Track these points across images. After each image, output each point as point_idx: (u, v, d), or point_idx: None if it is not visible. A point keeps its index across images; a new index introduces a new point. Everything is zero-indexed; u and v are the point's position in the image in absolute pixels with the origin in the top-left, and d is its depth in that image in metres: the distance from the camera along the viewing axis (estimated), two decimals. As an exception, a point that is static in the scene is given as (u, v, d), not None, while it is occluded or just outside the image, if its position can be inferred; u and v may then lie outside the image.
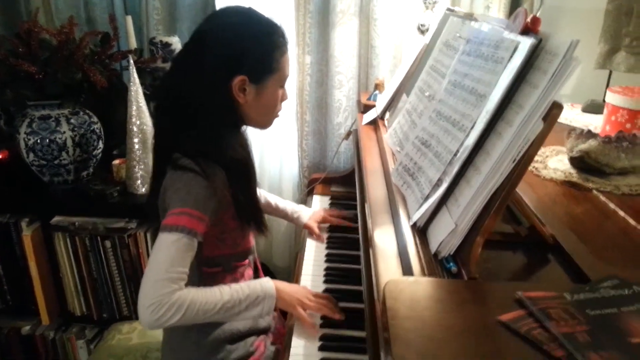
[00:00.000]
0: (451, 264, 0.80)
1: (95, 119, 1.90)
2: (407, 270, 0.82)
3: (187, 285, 1.02)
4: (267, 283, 1.15)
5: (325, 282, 1.35)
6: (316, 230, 1.56)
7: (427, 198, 0.95)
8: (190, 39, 1.11)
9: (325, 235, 1.57)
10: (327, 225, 1.62)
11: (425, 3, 1.89)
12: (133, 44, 2.01)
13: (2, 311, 1.99)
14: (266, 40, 1.09)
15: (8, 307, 1.97)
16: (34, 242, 1.81)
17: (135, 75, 1.74)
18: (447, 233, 0.83)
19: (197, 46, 1.10)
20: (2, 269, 1.91)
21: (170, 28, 2.14)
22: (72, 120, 1.81)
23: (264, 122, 1.21)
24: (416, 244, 0.88)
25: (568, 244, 0.88)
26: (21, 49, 1.73)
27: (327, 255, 1.47)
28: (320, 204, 1.83)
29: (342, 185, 1.95)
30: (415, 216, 0.95)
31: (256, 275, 1.34)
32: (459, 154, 0.90)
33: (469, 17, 1.30)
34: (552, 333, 0.62)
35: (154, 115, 1.80)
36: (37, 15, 1.90)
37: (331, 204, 1.81)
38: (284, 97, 1.20)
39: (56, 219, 1.82)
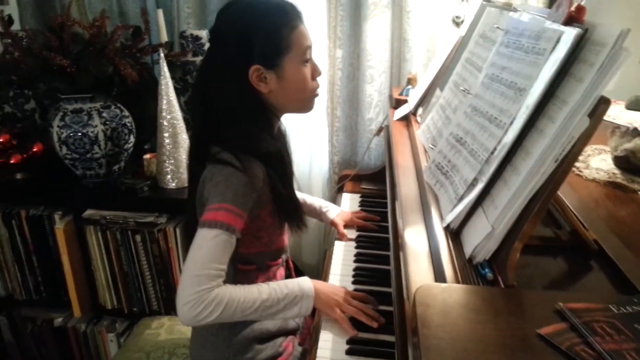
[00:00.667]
0: (487, 270, 0.76)
1: (126, 112, 1.90)
2: (439, 275, 0.78)
3: (223, 282, 1.01)
4: (305, 283, 1.12)
5: (354, 282, 1.32)
6: (341, 228, 1.53)
7: (461, 199, 0.90)
8: (209, 39, 1.11)
9: (355, 234, 1.54)
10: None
11: (461, -6, 1.83)
12: (164, 37, 2.01)
13: (36, 302, 2.01)
14: (268, 22, 1.05)
15: (42, 298, 2.00)
16: (67, 235, 1.83)
17: (165, 69, 1.73)
18: (482, 236, 0.79)
19: (212, 45, 1.10)
20: (36, 261, 1.94)
21: (200, 21, 2.13)
22: (103, 114, 1.81)
23: (300, 105, 1.16)
24: (449, 247, 0.84)
25: (612, 250, 0.82)
26: (54, 42, 1.74)
27: (357, 254, 1.44)
28: (350, 201, 1.79)
29: (372, 183, 1.91)
30: (449, 218, 0.90)
31: (288, 275, 1.32)
32: (496, 152, 0.86)
33: (508, 7, 1.24)
34: (597, 350, 0.57)
35: (186, 111, 1.82)
36: (70, 8, 1.91)
37: (361, 202, 1.78)
38: (315, 73, 1.13)
39: (88, 212, 1.84)
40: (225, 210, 0.99)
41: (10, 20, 1.80)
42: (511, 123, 0.85)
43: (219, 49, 1.07)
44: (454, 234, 0.88)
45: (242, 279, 1.12)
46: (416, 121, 1.58)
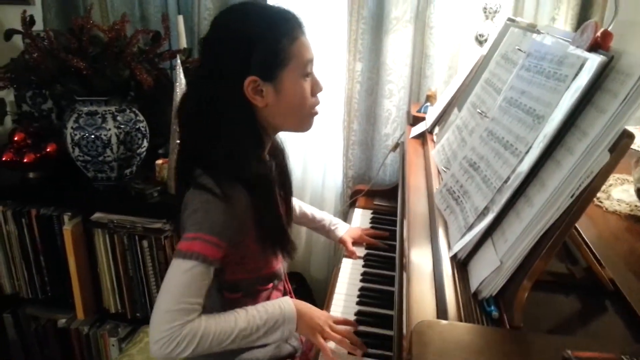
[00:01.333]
0: (492, 307, 0.71)
1: (141, 117, 1.89)
2: (441, 309, 0.74)
3: (210, 311, 0.97)
4: (287, 305, 1.06)
5: (359, 303, 1.28)
6: (350, 246, 1.49)
7: (471, 228, 0.86)
8: (200, 48, 1.05)
9: (363, 252, 1.50)
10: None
11: (485, 12, 1.78)
12: (183, 43, 2.00)
13: (41, 302, 2.01)
14: (268, 32, 0.98)
15: (47, 298, 1.99)
16: (74, 237, 1.82)
17: (181, 75, 1.72)
18: (490, 270, 0.74)
19: (206, 53, 1.04)
20: (43, 261, 1.93)
21: (221, 29, 2.11)
22: (118, 118, 1.80)
23: (297, 123, 1.08)
24: (454, 278, 0.80)
25: (630, 292, 0.77)
26: (73, 44, 1.74)
27: (364, 274, 1.40)
28: (361, 217, 1.75)
29: (386, 200, 1.86)
30: (456, 247, 0.86)
31: None
32: (509, 182, 0.81)
33: (532, 28, 1.19)
34: (607, 407, 0.52)
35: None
36: (91, 11, 1.91)
37: (373, 219, 1.73)
38: (315, 88, 1.06)
39: (96, 215, 1.83)
40: (201, 240, 0.93)
41: (31, 21, 1.80)
42: (527, 152, 0.81)
43: (213, 57, 1.01)
44: (461, 264, 0.84)
45: (230, 308, 1.04)
46: (432, 140, 1.54)
